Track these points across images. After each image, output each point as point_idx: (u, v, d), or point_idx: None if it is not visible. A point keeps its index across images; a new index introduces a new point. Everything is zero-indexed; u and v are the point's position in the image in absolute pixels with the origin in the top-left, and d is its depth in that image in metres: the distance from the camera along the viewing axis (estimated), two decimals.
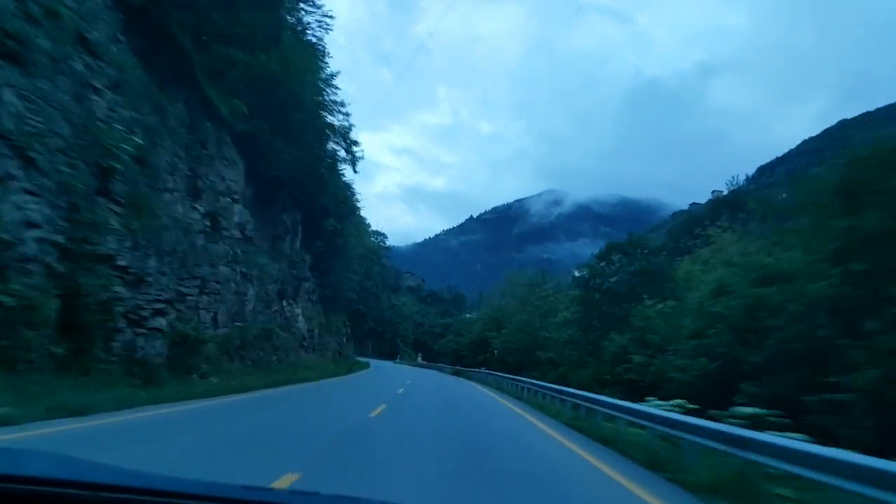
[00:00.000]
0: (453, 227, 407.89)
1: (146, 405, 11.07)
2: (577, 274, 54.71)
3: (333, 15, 33.04)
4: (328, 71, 33.87)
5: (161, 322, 17.02)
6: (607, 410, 11.33)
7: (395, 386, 25.34)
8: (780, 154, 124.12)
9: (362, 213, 64.39)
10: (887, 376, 10.81)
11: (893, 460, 4.64)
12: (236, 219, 24.67)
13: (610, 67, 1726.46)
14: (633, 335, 23.35)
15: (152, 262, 16.71)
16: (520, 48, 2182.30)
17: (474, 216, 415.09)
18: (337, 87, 35.46)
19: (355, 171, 39.31)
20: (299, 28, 31.85)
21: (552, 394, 16.59)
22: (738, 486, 6.31)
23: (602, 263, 32.84)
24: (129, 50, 16.60)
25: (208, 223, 21.50)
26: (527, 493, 6.40)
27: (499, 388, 29.82)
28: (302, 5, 31.95)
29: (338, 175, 39.38)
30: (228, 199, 23.60)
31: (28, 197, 11.09)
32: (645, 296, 25.20)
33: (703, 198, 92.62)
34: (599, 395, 11.87)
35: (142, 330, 15.84)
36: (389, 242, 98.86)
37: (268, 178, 27.95)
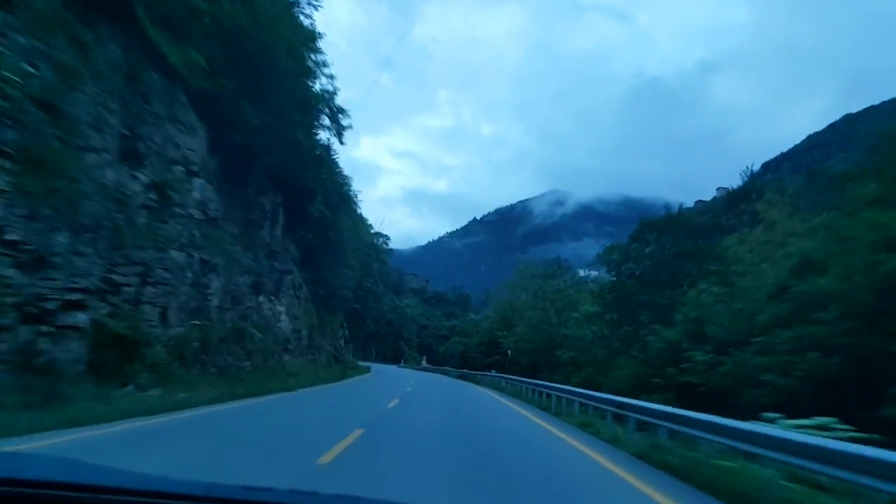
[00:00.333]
0: (456, 230, 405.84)
1: (26, 433, 7.74)
2: (582, 273, 50.46)
3: None
4: (311, 27, 28.88)
5: (79, 318, 13.18)
6: (740, 445, 6.47)
7: (390, 396, 20.70)
8: (784, 150, 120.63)
9: (362, 213, 60.01)
10: None
11: None
12: (196, 195, 20.24)
13: (611, 66, 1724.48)
14: (686, 328, 18.85)
15: (61, 239, 12.75)
16: (520, 49, 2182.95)
17: (477, 218, 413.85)
18: (321, 51, 30.65)
19: (342, 143, 34.78)
20: None
21: (605, 406, 11.76)
22: None
23: (635, 245, 27.78)
24: None
25: (154, 196, 17.15)
26: None
27: (515, 395, 25.43)
28: None
29: (329, 154, 34.85)
30: (182, 170, 19.17)
31: None
32: (695, 281, 20.64)
33: (708, 195, 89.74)
34: (714, 418, 7.13)
35: (46, 328, 11.96)
36: (392, 245, 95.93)
37: (238, 150, 23.51)
